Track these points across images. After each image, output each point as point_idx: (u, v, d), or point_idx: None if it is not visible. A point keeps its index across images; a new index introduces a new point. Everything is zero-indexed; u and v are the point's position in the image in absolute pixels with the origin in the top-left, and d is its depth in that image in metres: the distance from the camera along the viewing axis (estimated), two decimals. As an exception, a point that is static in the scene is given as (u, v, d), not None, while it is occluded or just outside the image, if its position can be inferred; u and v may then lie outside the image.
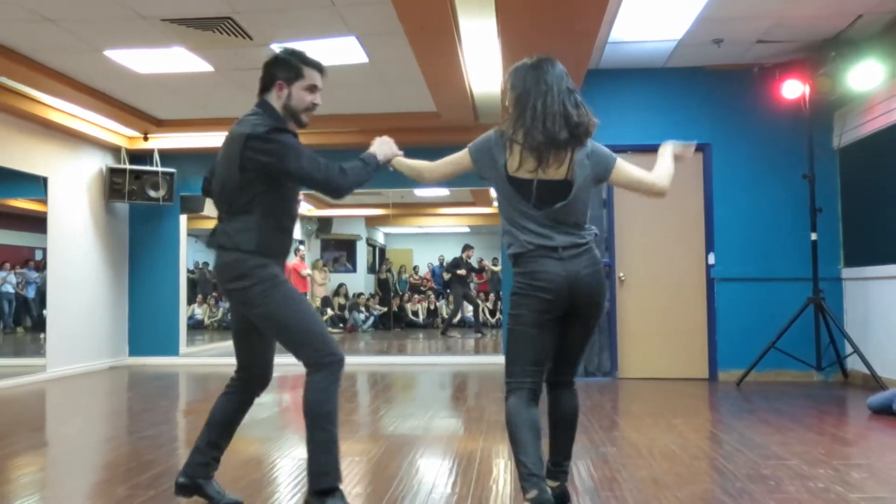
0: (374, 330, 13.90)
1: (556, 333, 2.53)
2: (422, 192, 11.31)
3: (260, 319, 2.62)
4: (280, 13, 4.89)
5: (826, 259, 6.17)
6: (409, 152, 2.85)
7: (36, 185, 7.06)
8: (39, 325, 8.04)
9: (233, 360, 2.82)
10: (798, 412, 4.73)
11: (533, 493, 2.24)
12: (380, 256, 16.30)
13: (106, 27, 5.10)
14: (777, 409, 4.84)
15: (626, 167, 2.59)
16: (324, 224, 14.93)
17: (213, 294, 14.25)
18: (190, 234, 8.88)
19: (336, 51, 5.56)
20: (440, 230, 16.37)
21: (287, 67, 2.69)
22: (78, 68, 6.00)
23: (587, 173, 2.51)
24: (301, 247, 13.04)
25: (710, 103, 6.36)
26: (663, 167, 2.66)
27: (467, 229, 16.00)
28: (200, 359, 8.53)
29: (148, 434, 4.26)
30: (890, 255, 5.61)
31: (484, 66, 5.88)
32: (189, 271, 10.77)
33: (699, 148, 6.46)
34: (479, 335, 11.92)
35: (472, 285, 14.75)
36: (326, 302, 13.80)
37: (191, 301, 12.56)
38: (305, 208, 13.47)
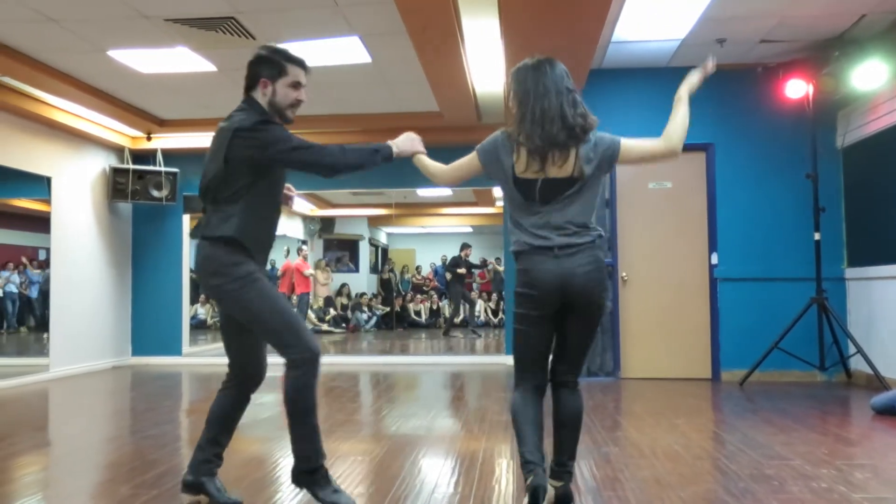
0: (376, 330, 13.90)
1: (553, 331, 2.60)
2: (424, 192, 11.31)
3: (238, 316, 2.69)
4: (283, 13, 4.89)
5: (829, 259, 6.16)
6: (412, 152, 2.87)
7: (39, 184, 7.07)
8: (43, 324, 8.06)
9: None
10: (801, 412, 4.72)
11: (529, 479, 2.42)
12: (382, 256, 16.30)
13: (109, 27, 5.11)
14: (780, 410, 4.83)
15: (631, 144, 2.62)
16: (326, 224, 14.92)
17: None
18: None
19: (339, 51, 5.56)
20: (443, 230, 16.36)
21: (270, 65, 2.72)
22: (81, 68, 6.01)
23: (594, 165, 2.55)
24: (304, 247, 13.04)
25: (714, 103, 6.35)
26: (675, 121, 2.65)
27: (470, 229, 15.99)
28: (203, 358, 8.54)
29: (151, 433, 4.27)
30: (893, 254, 5.60)
31: (487, 65, 5.89)
32: (192, 271, 10.76)
33: (702, 148, 6.49)
34: (476, 335, 11.83)
35: (475, 285, 14.78)
36: (329, 302, 13.81)
37: (194, 301, 12.56)
38: (308, 208, 13.48)
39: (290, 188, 2.99)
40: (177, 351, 8.35)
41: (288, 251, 13.24)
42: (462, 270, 12.15)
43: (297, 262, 12.66)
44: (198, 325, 13.18)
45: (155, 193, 7.92)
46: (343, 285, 14.52)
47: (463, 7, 4.68)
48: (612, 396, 5.56)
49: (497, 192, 11.14)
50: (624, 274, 6.57)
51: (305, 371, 2.62)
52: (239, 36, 5.26)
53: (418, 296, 15.16)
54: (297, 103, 2.77)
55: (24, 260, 9.22)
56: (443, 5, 4.33)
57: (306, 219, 14.20)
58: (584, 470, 3.26)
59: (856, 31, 5.58)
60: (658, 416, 4.63)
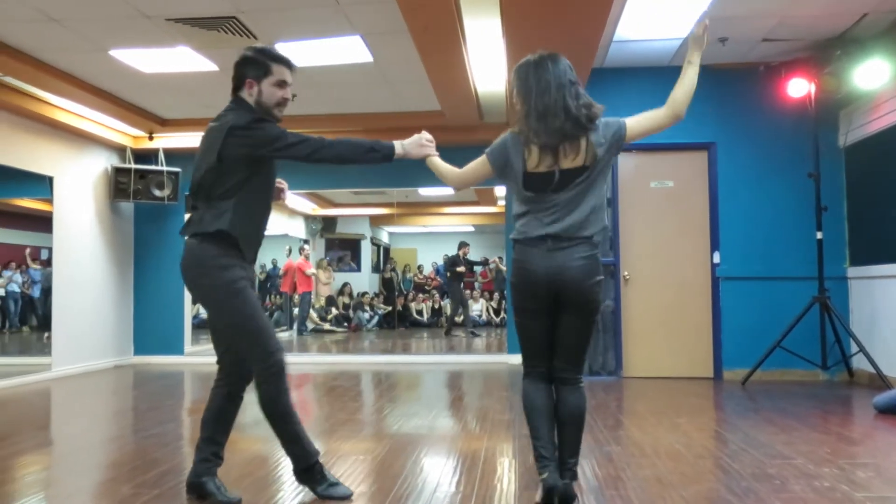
0: (378, 329, 13.90)
1: (548, 323, 2.64)
2: (426, 192, 11.30)
3: (214, 319, 2.78)
4: (284, 12, 4.89)
5: (831, 258, 6.16)
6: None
7: (42, 184, 7.08)
8: (45, 324, 8.06)
9: None
10: (803, 411, 4.72)
11: (544, 475, 2.53)
12: (384, 256, 16.30)
13: (111, 27, 5.12)
14: (782, 409, 4.82)
15: (635, 121, 2.65)
16: (328, 223, 14.92)
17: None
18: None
19: (340, 50, 5.56)
20: (445, 229, 16.35)
21: (255, 65, 2.75)
22: (83, 68, 6.01)
23: (605, 148, 2.59)
24: (306, 246, 13.05)
25: (716, 102, 6.34)
26: (682, 85, 2.65)
27: (472, 228, 15.99)
28: (205, 358, 8.52)
29: (153, 433, 4.28)
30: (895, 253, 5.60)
31: (488, 65, 5.88)
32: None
33: (704, 147, 6.48)
34: (474, 335, 11.68)
35: (476, 284, 14.75)
36: (331, 301, 13.82)
37: (195, 300, 12.57)
38: (310, 207, 13.49)
39: (281, 182, 3.02)
40: (179, 350, 8.36)
41: (290, 250, 13.24)
42: (462, 269, 12.08)
43: (299, 262, 12.66)
44: (199, 325, 13.16)
45: (157, 193, 7.93)
46: (345, 284, 14.52)
47: (464, 6, 4.68)
48: (614, 395, 5.56)
49: (499, 191, 11.12)
50: (626, 273, 6.56)
51: (273, 384, 2.70)
52: (241, 35, 5.26)
53: (420, 295, 15.16)
54: (283, 102, 2.79)
55: (26, 255, 9.22)
56: (444, 4, 4.32)
57: (308, 218, 14.20)
58: (586, 469, 3.26)
59: (857, 30, 5.57)
60: (660, 416, 4.63)
